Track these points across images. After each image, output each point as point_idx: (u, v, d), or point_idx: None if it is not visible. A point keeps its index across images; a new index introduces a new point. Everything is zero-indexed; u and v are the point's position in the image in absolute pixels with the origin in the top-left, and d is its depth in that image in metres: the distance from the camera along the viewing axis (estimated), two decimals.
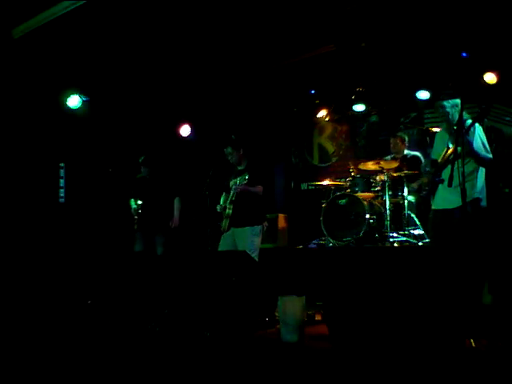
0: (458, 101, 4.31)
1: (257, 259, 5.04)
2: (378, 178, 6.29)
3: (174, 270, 4.79)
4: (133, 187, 6.34)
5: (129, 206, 6.29)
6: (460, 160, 3.64)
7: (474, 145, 4.11)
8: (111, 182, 6.86)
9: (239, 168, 5.45)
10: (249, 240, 5.10)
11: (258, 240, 5.19)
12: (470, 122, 4.09)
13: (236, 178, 5.30)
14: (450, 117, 4.36)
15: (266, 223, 5.56)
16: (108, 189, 6.97)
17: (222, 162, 5.65)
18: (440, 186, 4.36)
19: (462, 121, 3.87)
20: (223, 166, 5.66)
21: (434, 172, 4.40)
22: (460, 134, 3.77)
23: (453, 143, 4.07)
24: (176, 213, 6.20)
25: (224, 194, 5.52)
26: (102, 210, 6.92)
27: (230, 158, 5.45)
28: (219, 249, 5.31)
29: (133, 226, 6.14)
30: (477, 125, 4.26)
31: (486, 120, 4.45)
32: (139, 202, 6.19)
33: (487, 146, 4.27)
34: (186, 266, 4.75)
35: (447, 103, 4.39)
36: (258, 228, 5.20)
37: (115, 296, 4.94)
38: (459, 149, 3.71)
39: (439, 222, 4.36)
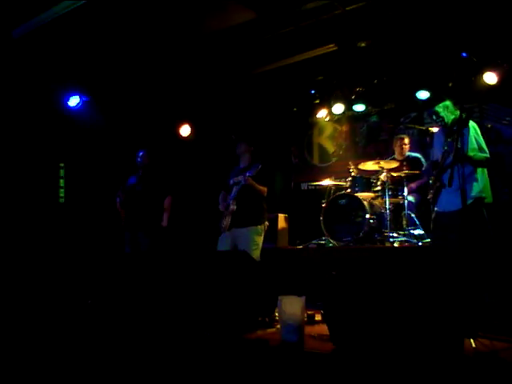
0: (448, 102, 4.35)
1: (259, 259, 5.04)
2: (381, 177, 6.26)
3: (175, 270, 4.79)
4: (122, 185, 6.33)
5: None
6: (458, 162, 3.64)
7: (469, 147, 4.11)
8: (111, 181, 6.86)
9: (242, 166, 5.41)
10: (252, 239, 5.07)
11: (260, 240, 5.18)
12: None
13: (238, 176, 5.29)
14: (446, 120, 4.38)
15: (267, 223, 5.54)
16: (108, 189, 6.97)
17: (222, 162, 5.64)
18: (442, 188, 4.36)
19: (461, 121, 3.86)
20: (224, 165, 5.65)
21: (436, 176, 4.40)
22: (456, 136, 3.76)
23: (449, 146, 4.09)
24: (166, 214, 6.09)
25: (222, 192, 5.46)
26: (102, 210, 6.92)
27: (239, 151, 5.37)
28: (218, 249, 5.30)
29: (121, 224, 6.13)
30: (472, 125, 4.26)
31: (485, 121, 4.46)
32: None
33: (483, 145, 4.26)
34: (187, 266, 4.75)
35: (438, 108, 4.42)
36: (260, 227, 5.19)
37: (115, 296, 4.94)
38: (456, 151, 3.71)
39: (442, 224, 4.36)
